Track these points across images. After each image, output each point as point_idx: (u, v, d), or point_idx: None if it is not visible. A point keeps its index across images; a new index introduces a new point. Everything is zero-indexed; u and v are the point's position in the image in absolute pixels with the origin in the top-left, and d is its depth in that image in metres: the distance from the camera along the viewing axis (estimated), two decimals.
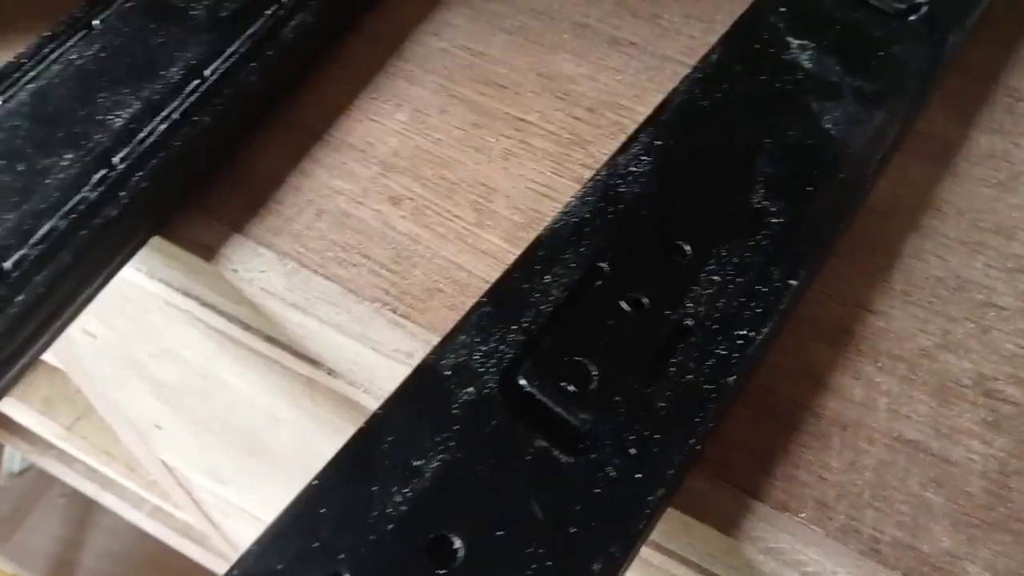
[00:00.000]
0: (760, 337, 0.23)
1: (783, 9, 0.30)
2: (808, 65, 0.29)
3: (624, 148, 0.27)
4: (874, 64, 0.29)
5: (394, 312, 0.26)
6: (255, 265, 0.28)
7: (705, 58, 0.29)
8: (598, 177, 0.26)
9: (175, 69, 0.29)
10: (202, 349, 0.36)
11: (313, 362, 0.31)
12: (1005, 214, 0.28)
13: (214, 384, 0.40)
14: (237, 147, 0.30)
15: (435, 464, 0.21)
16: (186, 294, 0.32)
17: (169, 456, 0.63)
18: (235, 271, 0.28)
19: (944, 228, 0.28)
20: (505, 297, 0.24)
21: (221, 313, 0.31)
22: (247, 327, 0.32)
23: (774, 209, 0.25)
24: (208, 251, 0.28)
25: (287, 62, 0.30)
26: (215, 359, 0.37)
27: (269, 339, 0.31)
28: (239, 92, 0.29)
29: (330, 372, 0.31)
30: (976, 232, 0.28)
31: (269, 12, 0.30)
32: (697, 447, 0.22)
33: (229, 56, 0.29)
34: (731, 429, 0.24)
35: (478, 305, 0.24)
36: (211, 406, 0.45)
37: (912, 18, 0.30)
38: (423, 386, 0.22)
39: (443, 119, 0.30)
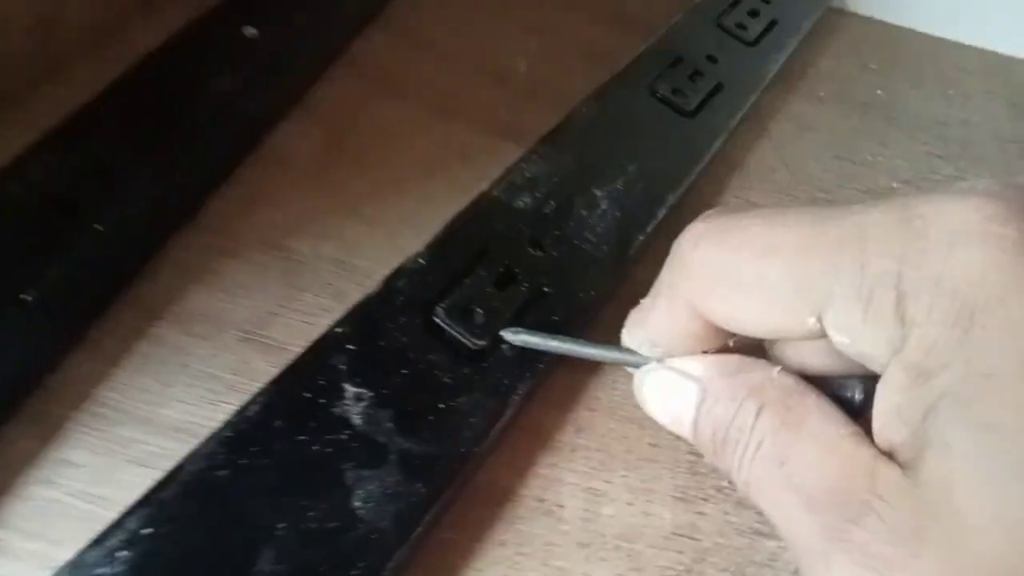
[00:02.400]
0: None
1: (351, 346, 0.28)
2: (357, 421, 0.26)
3: (100, 539, 0.23)
4: (432, 419, 0.27)
5: None
6: None
7: (242, 409, 0.26)
8: None
9: None
10: None
11: None
12: None
13: None
14: None
15: None
16: None
17: None
18: None
19: None
20: None
21: None
22: None
23: None
24: None
25: None
26: None
27: None
28: None
29: None
30: None
31: None
32: None
33: None
34: None
35: None
36: None
37: (485, 362, 0.28)
38: None
39: None
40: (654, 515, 0.28)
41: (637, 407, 0.30)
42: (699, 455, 0.29)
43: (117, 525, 0.24)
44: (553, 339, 0.28)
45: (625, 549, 0.27)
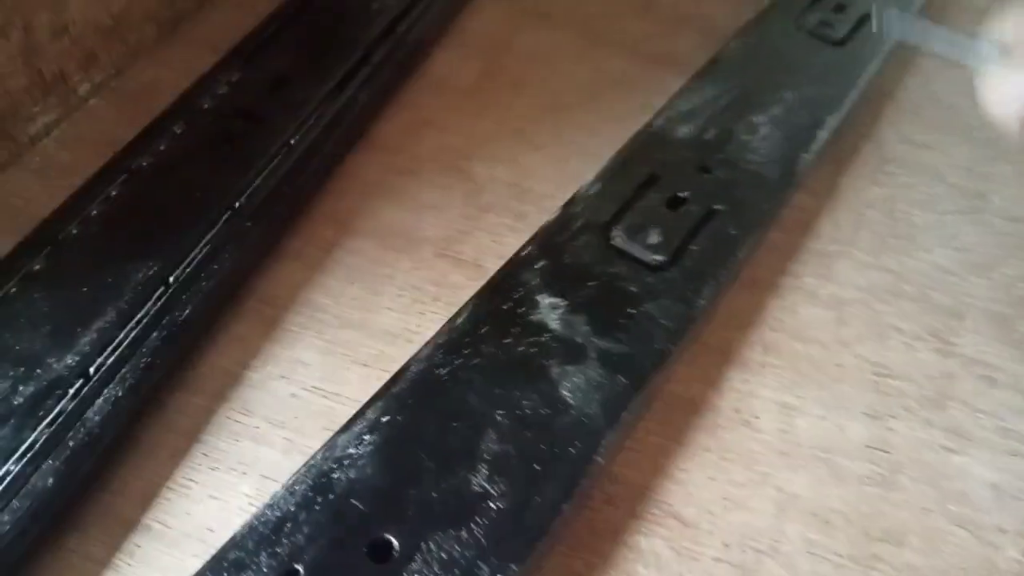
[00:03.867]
0: None
1: (540, 264, 0.30)
2: (555, 326, 0.28)
3: (347, 426, 0.26)
4: (623, 323, 0.29)
5: None
6: None
7: (452, 319, 0.29)
8: (312, 461, 0.25)
9: None
10: None
11: None
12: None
13: None
14: None
15: None
16: None
17: None
18: None
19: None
20: None
21: None
22: None
23: (494, 492, 0.24)
24: None
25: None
26: None
27: None
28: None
29: None
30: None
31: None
32: None
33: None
34: None
35: None
36: None
37: (667, 272, 0.30)
38: None
39: None
40: (846, 429, 0.29)
41: (819, 329, 0.31)
42: (884, 375, 0.30)
43: (360, 415, 0.26)
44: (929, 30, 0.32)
45: (823, 459, 0.28)
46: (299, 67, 0.36)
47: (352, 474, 0.25)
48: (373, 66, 0.37)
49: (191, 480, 0.27)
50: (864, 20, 0.41)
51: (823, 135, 0.36)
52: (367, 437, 0.25)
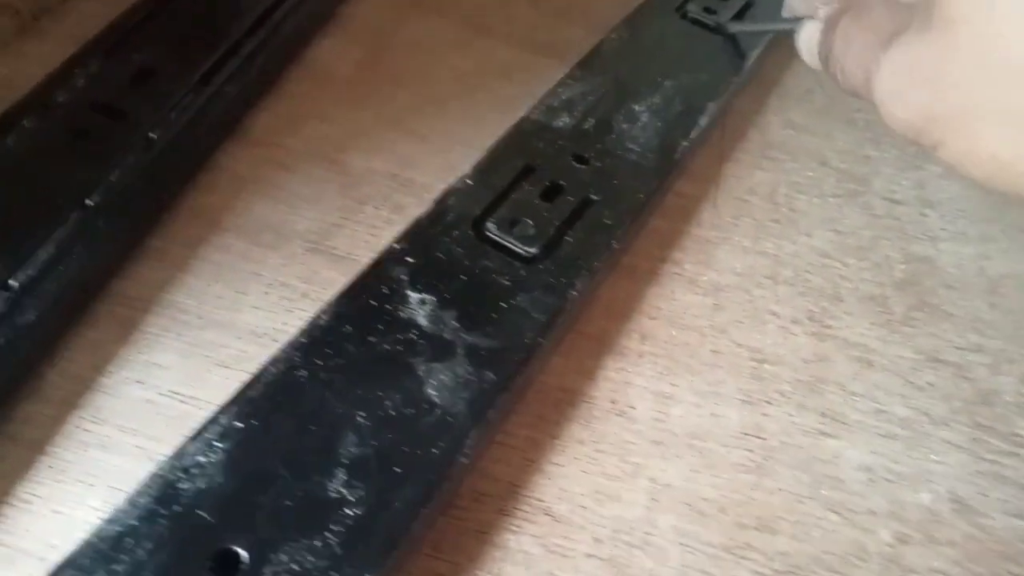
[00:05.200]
0: None
1: (410, 259, 0.29)
2: (424, 322, 0.28)
3: (198, 432, 0.24)
4: (494, 317, 0.28)
5: None
6: None
7: (315, 318, 0.27)
8: (158, 471, 0.23)
9: None
10: None
11: None
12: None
13: None
14: None
15: None
16: None
17: None
18: None
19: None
20: None
21: None
22: None
23: (352, 498, 0.23)
24: None
25: None
26: None
27: None
28: None
29: None
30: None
31: None
32: None
33: None
34: None
35: None
36: None
37: (540, 264, 0.30)
38: None
39: None
40: (721, 416, 0.29)
41: (696, 316, 0.31)
42: (760, 360, 0.30)
43: (212, 420, 0.25)
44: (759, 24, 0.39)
45: (697, 447, 0.28)
46: (164, 59, 0.34)
47: (200, 484, 0.23)
48: (244, 57, 0.35)
49: (33, 495, 0.25)
50: (748, 7, 0.41)
51: (703, 121, 0.35)
52: (218, 444, 0.24)
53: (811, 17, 0.31)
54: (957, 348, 0.31)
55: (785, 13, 0.33)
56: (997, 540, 0.27)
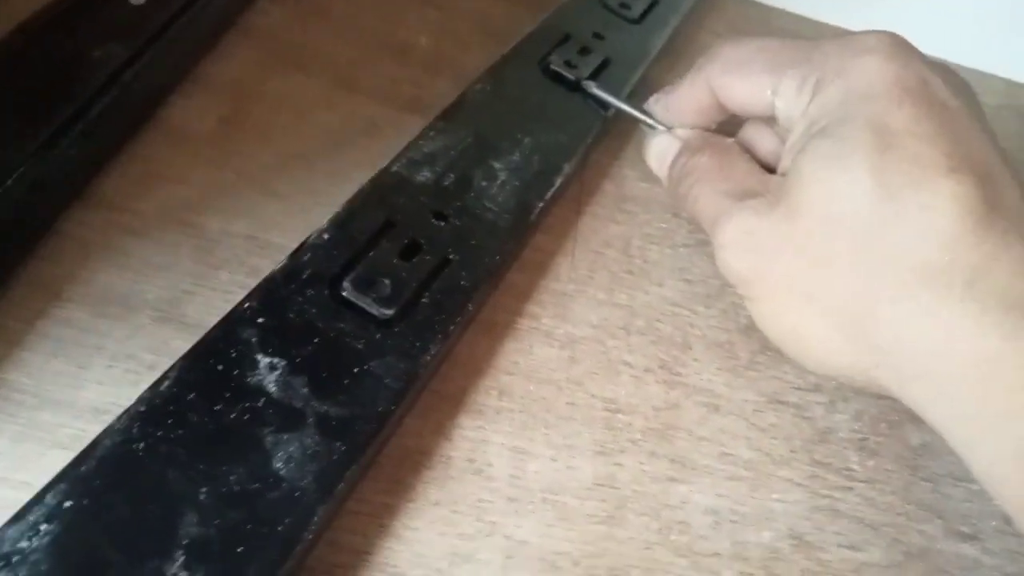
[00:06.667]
0: None
1: (260, 320, 0.29)
2: (272, 389, 0.27)
3: (20, 514, 0.23)
4: (347, 383, 0.28)
5: None
6: None
7: (154, 385, 0.26)
8: None
9: None
10: None
11: None
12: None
13: None
14: None
15: None
16: None
17: None
18: None
19: None
20: None
21: None
22: None
23: None
24: None
25: None
26: None
27: None
28: None
29: None
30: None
31: None
32: None
33: None
34: None
35: None
36: None
37: (395, 328, 0.30)
38: None
39: None
40: (576, 468, 0.29)
41: (553, 369, 0.32)
42: (613, 410, 0.31)
43: (36, 501, 0.24)
44: (615, 97, 0.40)
45: (551, 501, 0.29)
46: (1, 124, 0.33)
47: (22, 572, 0.22)
48: (90, 119, 0.34)
49: None
50: (605, 65, 0.43)
51: (559, 181, 0.37)
52: (43, 527, 0.23)
53: (667, 129, 0.36)
54: (796, 389, 0.33)
55: (646, 106, 0.37)
56: (832, 573, 0.29)
